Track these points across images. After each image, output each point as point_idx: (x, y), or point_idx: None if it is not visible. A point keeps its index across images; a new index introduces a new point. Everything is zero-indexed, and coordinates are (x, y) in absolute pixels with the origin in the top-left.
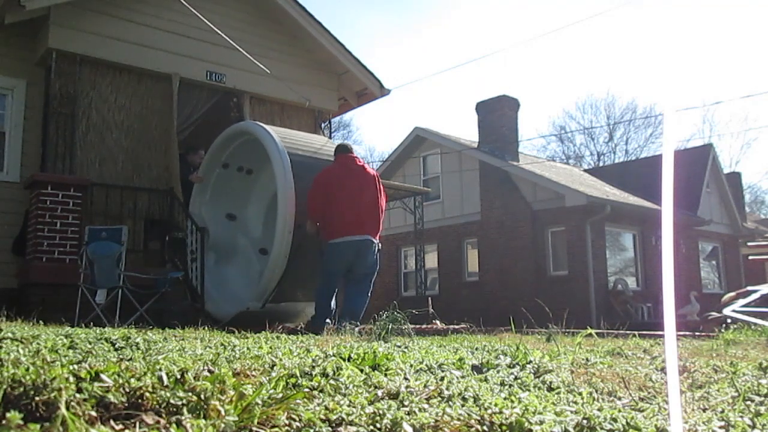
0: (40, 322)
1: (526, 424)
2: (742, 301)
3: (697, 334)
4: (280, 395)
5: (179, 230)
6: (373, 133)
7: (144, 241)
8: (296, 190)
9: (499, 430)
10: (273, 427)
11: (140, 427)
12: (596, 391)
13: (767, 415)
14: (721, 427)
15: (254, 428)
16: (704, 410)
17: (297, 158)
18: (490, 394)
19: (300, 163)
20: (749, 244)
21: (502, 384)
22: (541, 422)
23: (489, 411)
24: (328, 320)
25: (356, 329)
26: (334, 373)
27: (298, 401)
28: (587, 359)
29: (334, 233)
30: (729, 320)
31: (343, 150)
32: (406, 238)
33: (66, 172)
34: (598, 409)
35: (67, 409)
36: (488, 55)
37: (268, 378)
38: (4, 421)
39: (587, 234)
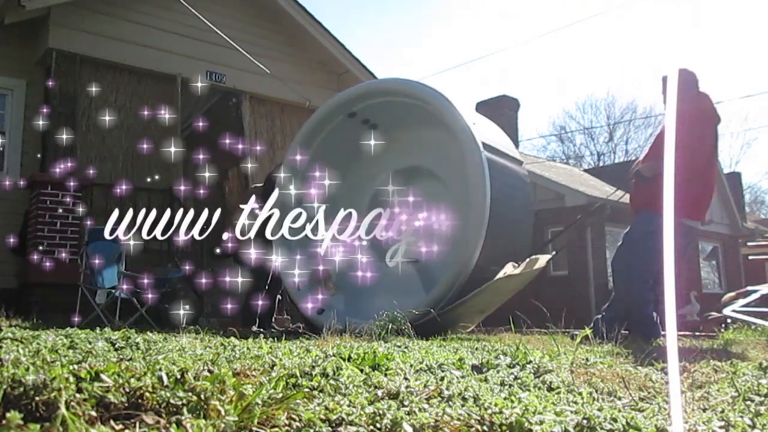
0: (40, 322)
1: (526, 424)
2: (742, 301)
3: (697, 334)
4: (280, 395)
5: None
6: None
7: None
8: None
9: (499, 430)
10: (273, 427)
11: (140, 427)
12: (596, 391)
13: (767, 415)
14: (721, 427)
15: (254, 428)
16: (704, 410)
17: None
18: (490, 394)
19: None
20: (749, 244)
21: (502, 384)
22: (541, 422)
23: (489, 411)
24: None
25: None
26: (334, 373)
27: (298, 401)
28: (587, 359)
29: (694, 211)
30: (729, 320)
31: (696, 83)
32: None
33: (66, 172)
34: (598, 409)
35: (67, 409)
36: (488, 55)
37: (268, 378)
38: (4, 421)
39: (587, 234)
